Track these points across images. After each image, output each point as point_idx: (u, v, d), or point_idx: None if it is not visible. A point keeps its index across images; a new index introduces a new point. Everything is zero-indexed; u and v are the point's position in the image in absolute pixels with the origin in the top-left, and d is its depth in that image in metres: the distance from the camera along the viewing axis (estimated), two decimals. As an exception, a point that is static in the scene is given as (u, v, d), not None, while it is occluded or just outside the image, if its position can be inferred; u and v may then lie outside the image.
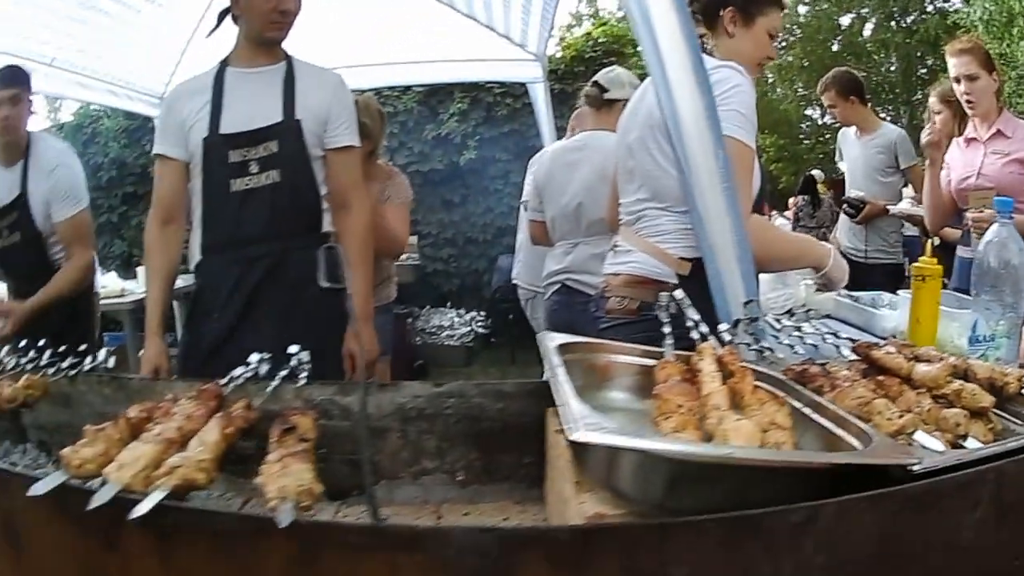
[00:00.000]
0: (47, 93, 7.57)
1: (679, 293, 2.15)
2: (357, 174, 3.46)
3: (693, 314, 2.10)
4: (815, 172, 12.08)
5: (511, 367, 9.97)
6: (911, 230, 6.93)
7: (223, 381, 2.11)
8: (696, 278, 2.78)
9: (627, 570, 1.23)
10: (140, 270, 8.10)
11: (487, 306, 11.05)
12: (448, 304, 11.28)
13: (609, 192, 3.72)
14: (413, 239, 9.53)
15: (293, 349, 2.21)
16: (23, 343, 2.68)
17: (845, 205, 6.60)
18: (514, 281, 6.00)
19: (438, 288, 11.69)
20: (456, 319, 10.98)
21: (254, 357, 2.20)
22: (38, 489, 1.40)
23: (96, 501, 1.35)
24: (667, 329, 2.12)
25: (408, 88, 11.42)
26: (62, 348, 2.60)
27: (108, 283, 7.65)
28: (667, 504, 1.38)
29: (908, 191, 6.91)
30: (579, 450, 1.61)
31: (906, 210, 6.38)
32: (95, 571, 1.47)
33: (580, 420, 1.43)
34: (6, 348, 2.69)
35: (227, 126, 3.20)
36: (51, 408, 2.58)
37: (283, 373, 2.20)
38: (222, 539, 1.37)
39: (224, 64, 3.34)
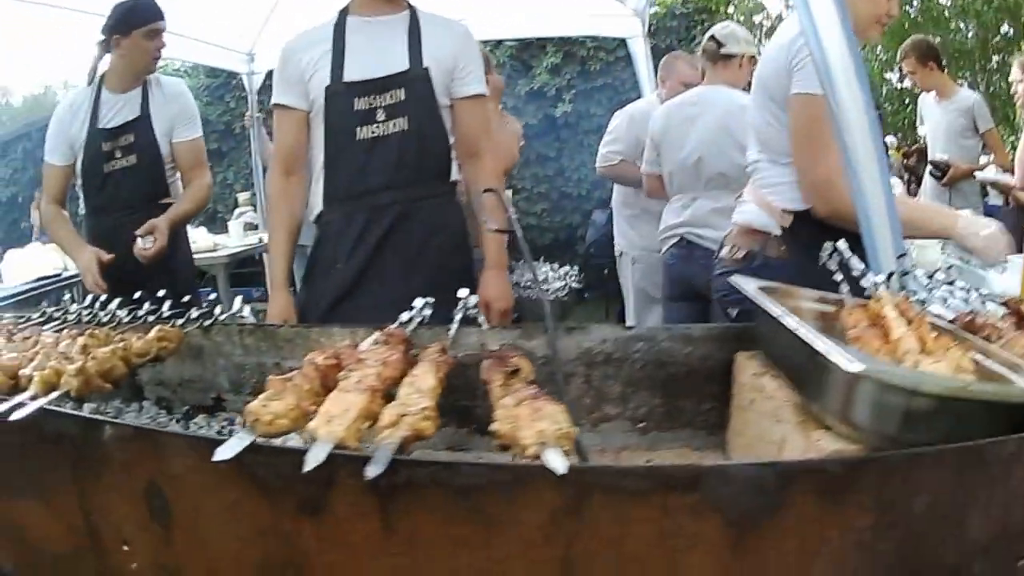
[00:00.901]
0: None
1: (842, 243, 2.09)
2: (486, 123, 3.43)
3: (857, 263, 2.05)
4: (888, 139, 11.82)
5: (604, 323, 9.56)
6: (994, 199, 6.87)
7: (396, 324, 2.04)
8: (796, 230, 2.96)
9: (880, 501, 1.25)
10: (232, 224, 8.01)
11: (581, 261, 10.79)
12: (542, 259, 10.90)
13: (728, 148, 3.97)
14: (508, 193, 9.20)
15: (463, 293, 2.15)
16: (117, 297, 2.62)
17: (930, 167, 6.64)
18: (616, 239, 6.09)
19: (532, 243, 11.36)
20: (550, 274, 10.76)
21: (419, 302, 2.15)
22: (224, 453, 1.25)
23: (312, 461, 1.21)
24: (839, 276, 2.09)
25: (500, 42, 11.32)
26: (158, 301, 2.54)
27: (199, 238, 7.62)
28: (900, 437, 1.40)
29: (986, 158, 6.89)
30: (816, 388, 1.58)
31: (992, 177, 6.37)
32: (287, 542, 1.36)
33: (846, 356, 1.42)
34: (116, 301, 2.61)
35: (351, 74, 3.18)
36: (175, 362, 2.43)
37: (459, 316, 2.14)
38: (468, 495, 1.26)
39: (344, 13, 3.31)
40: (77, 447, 1.54)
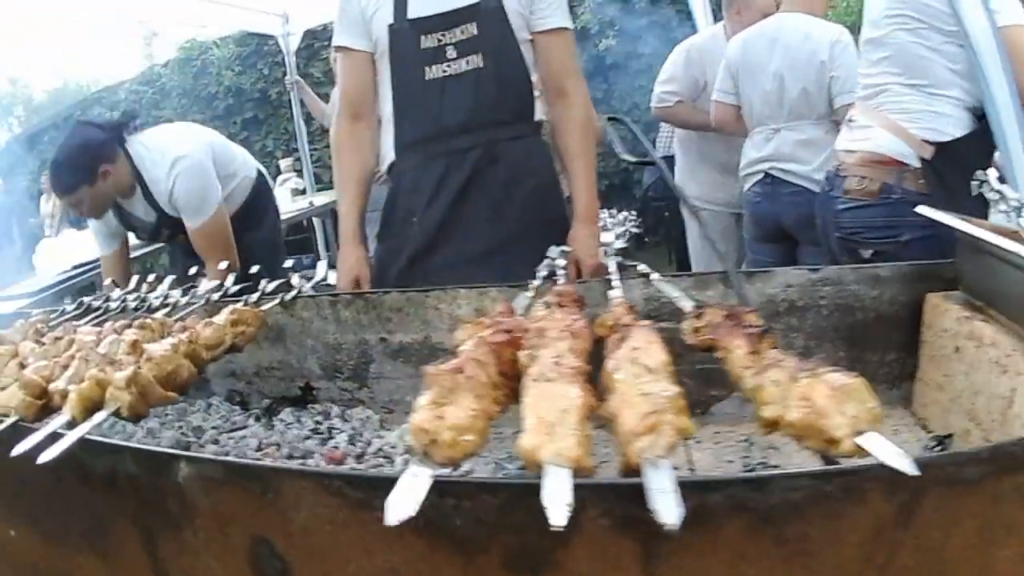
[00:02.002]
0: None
1: (992, 172, 1.87)
2: (572, 58, 3.20)
3: (1011, 192, 1.82)
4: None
5: (668, 268, 9.10)
6: None
7: (537, 281, 1.85)
8: (938, 162, 2.84)
9: None
10: (277, 192, 7.73)
11: (639, 205, 10.28)
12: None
13: (812, 73, 4.00)
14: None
15: (553, 252, 2.01)
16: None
17: None
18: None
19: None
20: (608, 219, 10.09)
21: (554, 251, 2.00)
22: (404, 506, 0.89)
23: (557, 504, 0.87)
24: (1003, 207, 1.83)
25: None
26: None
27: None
28: None
29: None
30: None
31: None
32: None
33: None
34: (168, 280, 2.42)
35: (415, 10, 2.96)
36: (250, 347, 2.05)
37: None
38: (775, 519, 0.95)
39: None
40: (139, 490, 1.25)
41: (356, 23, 3.06)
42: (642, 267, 1.92)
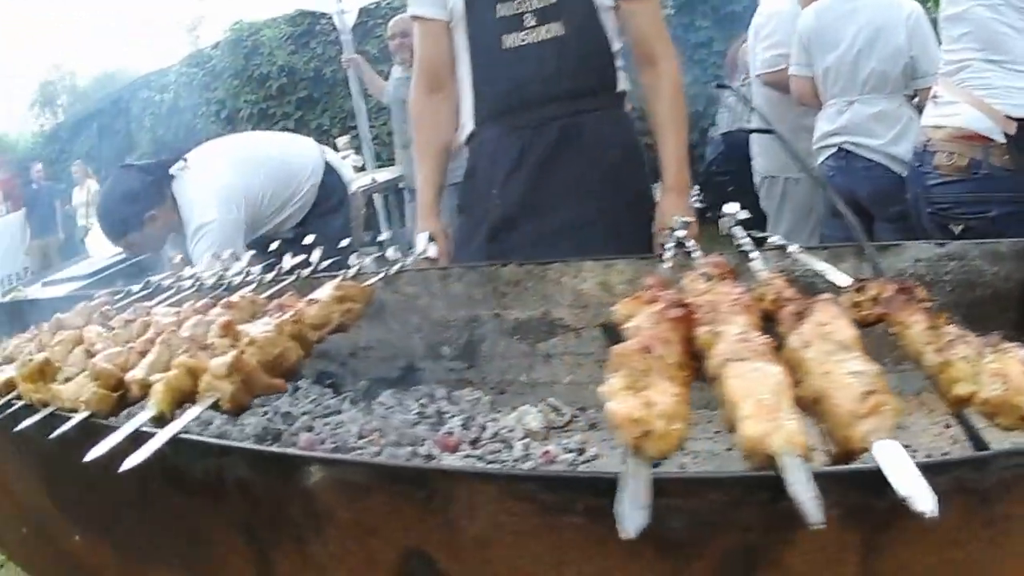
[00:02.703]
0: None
1: None
2: (660, 23, 3.11)
3: None
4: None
5: (731, 245, 8.97)
6: None
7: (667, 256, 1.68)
8: (1020, 138, 2.90)
9: None
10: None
11: (701, 180, 10.10)
12: (659, 180, 10.38)
13: (889, 50, 4.14)
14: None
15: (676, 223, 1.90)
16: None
17: None
18: (753, 161, 5.70)
19: (648, 163, 11.01)
20: (671, 193, 10.04)
21: (676, 220, 1.91)
22: (634, 517, 0.77)
23: (806, 497, 0.76)
24: None
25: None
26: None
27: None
28: None
29: None
30: None
31: None
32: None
33: None
34: (248, 255, 2.37)
35: None
36: None
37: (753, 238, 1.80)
38: None
39: None
40: (252, 497, 1.10)
41: None
42: (776, 238, 1.83)
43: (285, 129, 11.42)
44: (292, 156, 4.26)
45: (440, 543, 0.96)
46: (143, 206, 3.73)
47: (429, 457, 1.63)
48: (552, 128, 2.93)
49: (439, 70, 3.10)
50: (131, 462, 1.02)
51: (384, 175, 7.73)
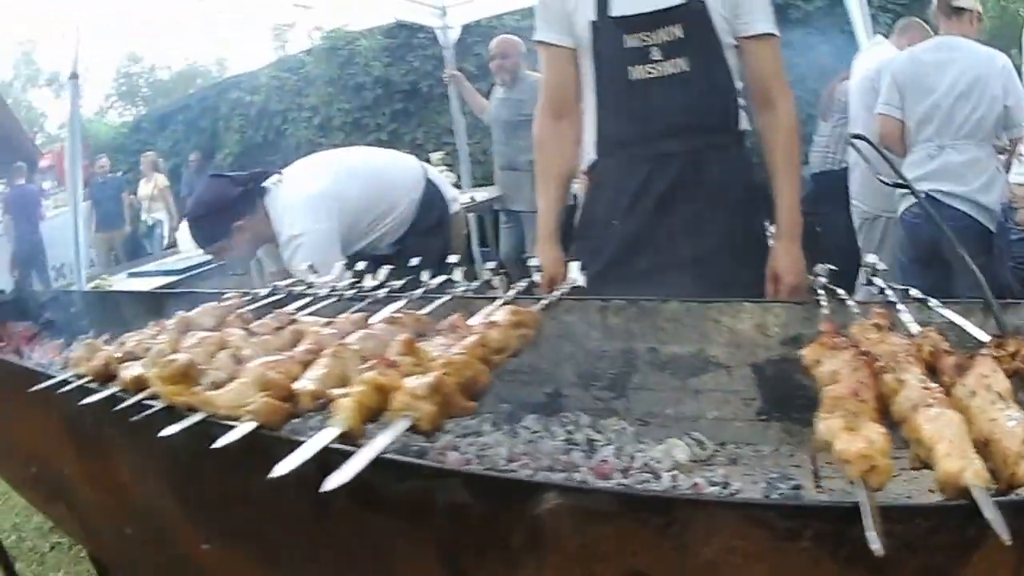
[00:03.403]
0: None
1: None
2: (779, 65, 3.13)
3: None
4: None
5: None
6: None
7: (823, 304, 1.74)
8: None
9: None
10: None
11: None
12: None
13: (985, 99, 4.19)
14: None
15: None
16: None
17: None
18: (853, 201, 5.88)
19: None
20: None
21: (820, 268, 1.90)
22: (874, 540, 0.88)
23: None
24: None
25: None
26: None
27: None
28: None
29: None
30: None
31: None
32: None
33: None
34: (385, 269, 2.34)
35: (618, 7, 2.93)
36: None
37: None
38: None
39: None
40: (463, 521, 1.09)
41: (558, 18, 3.06)
42: (915, 292, 1.81)
43: (378, 141, 11.62)
44: (389, 169, 4.27)
45: (667, 567, 1.02)
46: (232, 216, 3.79)
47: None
48: (674, 163, 2.96)
49: (564, 96, 3.15)
50: (335, 481, 0.99)
51: (483, 195, 7.71)
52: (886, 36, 6.91)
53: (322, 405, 1.31)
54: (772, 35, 3.05)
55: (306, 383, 1.30)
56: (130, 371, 1.56)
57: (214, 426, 1.27)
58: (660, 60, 2.91)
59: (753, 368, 1.85)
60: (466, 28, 9.34)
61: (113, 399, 1.55)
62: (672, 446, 1.74)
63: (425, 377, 1.22)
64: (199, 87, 29.02)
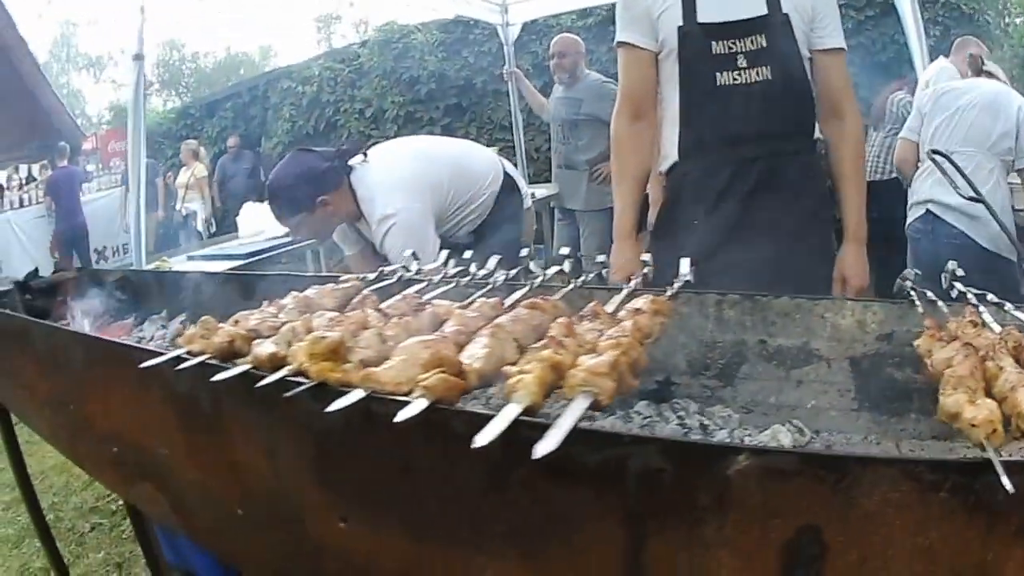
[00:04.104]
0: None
1: None
2: (848, 79, 3.32)
3: None
4: None
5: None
6: None
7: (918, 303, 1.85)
8: None
9: None
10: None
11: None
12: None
13: (998, 114, 4.51)
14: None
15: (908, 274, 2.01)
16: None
17: None
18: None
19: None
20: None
21: (908, 272, 1.98)
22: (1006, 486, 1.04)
23: None
24: None
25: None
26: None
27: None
28: None
29: None
30: None
31: None
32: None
33: None
34: (495, 259, 2.34)
35: (705, 15, 3.05)
36: None
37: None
38: None
39: None
40: (653, 486, 1.16)
41: (642, 20, 3.13)
42: (991, 297, 1.85)
43: (431, 135, 11.41)
44: (472, 160, 4.28)
45: (833, 518, 1.11)
46: (318, 189, 3.76)
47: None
48: (755, 167, 3.05)
49: (644, 98, 3.22)
50: (543, 450, 1.06)
51: (542, 191, 7.74)
52: (933, 47, 7.31)
53: (486, 383, 1.38)
54: (842, 49, 3.21)
55: (472, 362, 1.35)
56: (264, 348, 1.59)
57: (380, 402, 1.29)
58: (746, 67, 3.01)
59: (850, 361, 1.95)
60: (523, 26, 9.38)
61: (240, 377, 1.58)
62: (777, 432, 1.82)
63: (604, 356, 1.30)
64: (241, 76, 29.10)
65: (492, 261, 2.30)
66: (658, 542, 1.19)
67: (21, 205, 15.10)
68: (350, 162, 3.87)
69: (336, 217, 3.89)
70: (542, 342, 1.36)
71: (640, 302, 1.70)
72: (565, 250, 2.46)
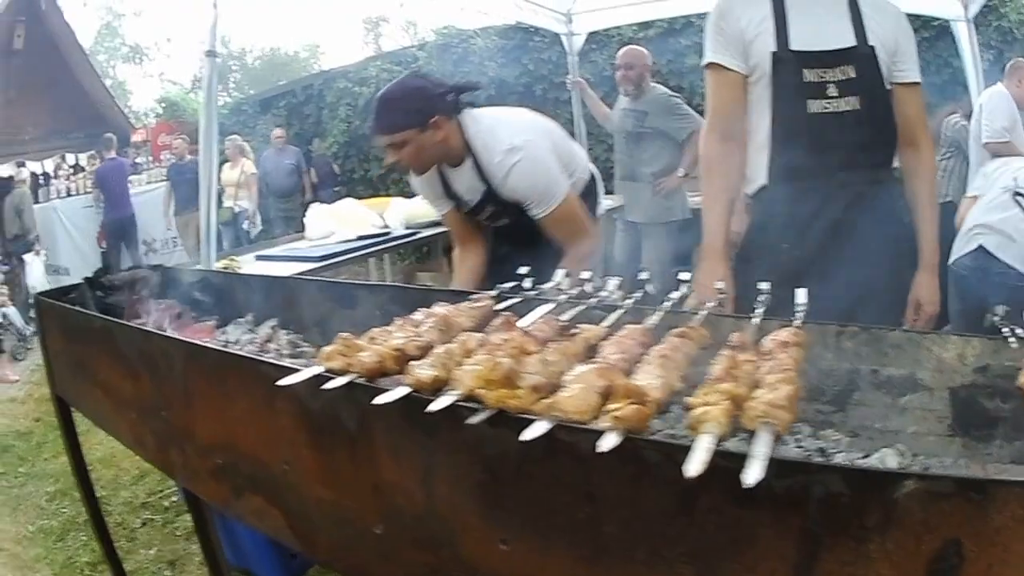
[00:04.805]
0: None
1: None
2: (923, 111, 3.41)
3: None
4: None
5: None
6: None
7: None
8: None
9: None
10: None
11: None
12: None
13: None
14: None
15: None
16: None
17: None
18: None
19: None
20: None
21: (999, 309, 2.06)
22: None
23: None
24: None
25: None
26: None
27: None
28: None
29: None
30: None
31: None
32: None
33: None
34: (615, 280, 2.43)
35: (797, 43, 3.15)
36: None
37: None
38: None
39: None
40: (831, 508, 1.25)
41: (734, 43, 3.21)
42: None
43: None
44: (571, 143, 4.32)
45: (971, 532, 1.19)
46: (433, 107, 3.66)
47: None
48: (843, 194, 3.14)
49: (734, 120, 3.29)
50: (753, 477, 1.17)
51: (608, 203, 7.69)
52: (987, 70, 7.55)
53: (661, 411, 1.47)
54: (919, 83, 3.30)
55: (652, 391, 1.44)
56: (426, 372, 1.63)
57: (560, 430, 1.38)
58: (836, 96, 3.09)
59: (949, 391, 2.03)
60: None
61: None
62: (884, 455, 1.90)
63: (781, 389, 1.43)
64: (289, 74, 29.15)
65: (612, 283, 2.38)
66: (829, 558, 1.27)
67: (68, 194, 15.32)
68: (460, 99, 3.79)
69: (442, 148, 3.76)
70: (717, 374, 1.48)
71: (785, 335, 1.81)
72: (645, 274, 2.52)
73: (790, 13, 3.16)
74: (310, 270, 5.52)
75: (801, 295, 2.24)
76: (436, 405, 1.49)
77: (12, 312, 10.52)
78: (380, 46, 32.82)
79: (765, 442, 1.27)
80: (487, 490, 1.58)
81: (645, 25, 10.52)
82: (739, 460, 1.22)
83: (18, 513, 5.58)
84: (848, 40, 3.15)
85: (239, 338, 3.24)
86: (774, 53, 3.14)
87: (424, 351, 1.81)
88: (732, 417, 1.36)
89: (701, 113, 8.45)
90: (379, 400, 1.58)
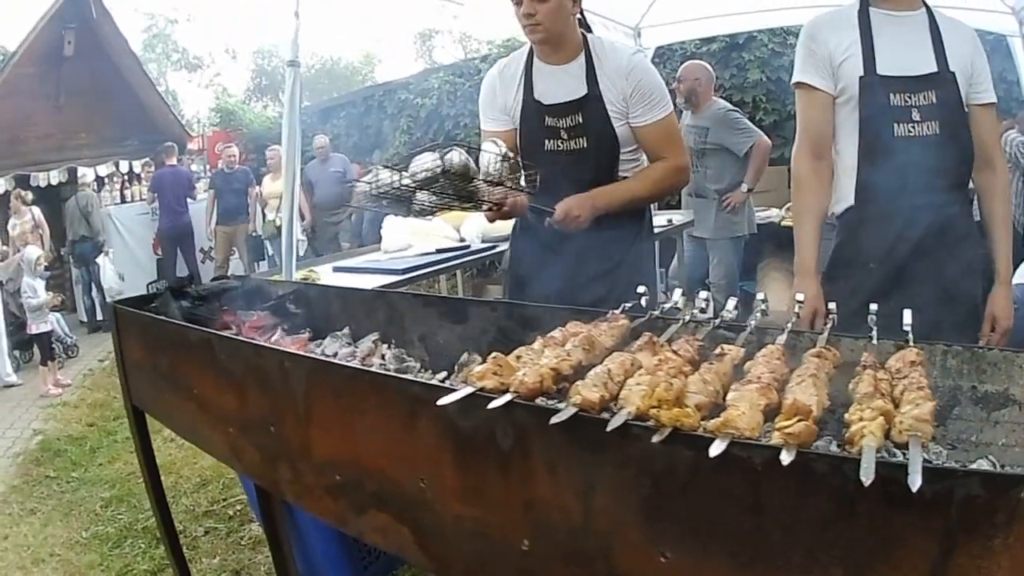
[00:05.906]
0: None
1: None
2: (998, 131, 3.62)
3: None
4: None
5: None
6: None
7: None
8: None
9: None
10: None
11: None
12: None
13: None
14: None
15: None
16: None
17: None
18: None
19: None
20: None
21: None
22: None
23: None
24: None
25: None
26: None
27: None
28: None
29: None
30: None
31: None
32: None
33: None
34: (733, 301, 2.57)
35: (884, 68, 3.27)
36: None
37: None
38: None
39: (865, 3, 3.40)
40: (970, 509, 1.38)
41: (823, 65, 3.35)
42: None
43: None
44: None
45: None
46: None
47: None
48: (926, 216, 3.24)
49: (823, 138, 3.43)
50: (916, 485, 1.31)
51: (679, 218, 7.86)
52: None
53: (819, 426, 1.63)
54: (994, 104, 3.43)
55: (816, 408, 1.65)
56: (593, 392, 1.73)
57: (734, 446, 1.50)
58: (919, 120, 3.21)
59: None
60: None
61: (544, 411, 1.73)
62: (980, 466, 1.97)
63: (925, 406, 1.63)
64: (341, 85, 29.30)
65: (731, 302, 2.53)
66: (962, 553, 1.37)
67: (123, 201, 15.50)
68: None
69: (571, 25, 3.74)
70: (866, 391, 1.71)
71: (912, 355, 2.02)
72: (732, 301, 2.58)
73: (877, 38, 3.28)
74: (392, 283, 5.52)
75: (907, 316, 2.39)
76: (614, 423, 1.59)
77: (58, 319, 10.80)
78: (433, 58, 32.81)
79: (917, 453, 1.43)
80: (651, 504, 1.65)
81: (708, 40, 10.56)
82: (892, 469, 1.38)
83: (71, 518, 5.63)
84: (931, 66, 3.27)
85: (337, 351, 3.24)
86: (862, 78, 3.27)
87: (576, 370, 1.93)
88: (885, 431, 1.55)
89: (761, 127, 8.54)
90: (554, 420, 1.65)
